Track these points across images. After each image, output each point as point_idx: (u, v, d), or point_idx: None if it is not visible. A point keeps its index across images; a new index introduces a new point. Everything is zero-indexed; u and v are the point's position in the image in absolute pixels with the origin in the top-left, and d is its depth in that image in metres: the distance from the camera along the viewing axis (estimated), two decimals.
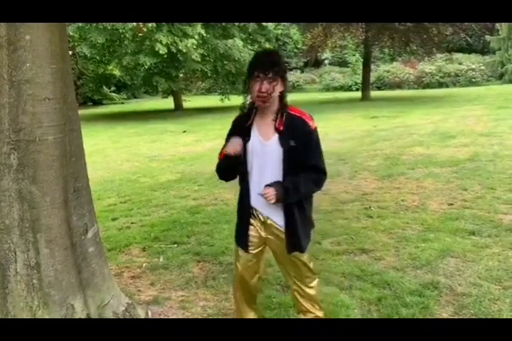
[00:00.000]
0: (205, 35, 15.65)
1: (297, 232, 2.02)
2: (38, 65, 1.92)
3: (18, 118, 1.91)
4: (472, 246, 3.36)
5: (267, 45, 23.96)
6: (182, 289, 2.93)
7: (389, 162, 6.49)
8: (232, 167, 2.03)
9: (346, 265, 3.16)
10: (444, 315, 2.48)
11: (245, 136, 1.97)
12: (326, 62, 32.81)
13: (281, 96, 1.94)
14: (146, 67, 15.96)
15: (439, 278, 2.90)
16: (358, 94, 21.05)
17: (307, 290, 2.14)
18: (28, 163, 1.95)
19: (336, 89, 27.47)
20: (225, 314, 2.56)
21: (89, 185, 2.36)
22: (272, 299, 2.72)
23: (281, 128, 1.93)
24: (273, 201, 1.89)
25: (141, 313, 2.43)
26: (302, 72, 31.49)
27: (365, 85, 20.18)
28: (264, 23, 19.73)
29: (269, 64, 1.88)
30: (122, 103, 27.08)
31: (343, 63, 30.83)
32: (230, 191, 5.41)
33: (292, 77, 29.87)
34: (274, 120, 1.94)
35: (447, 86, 24.48)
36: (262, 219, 2.05)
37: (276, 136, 1.93)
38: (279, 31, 25.05)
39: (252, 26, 18.39)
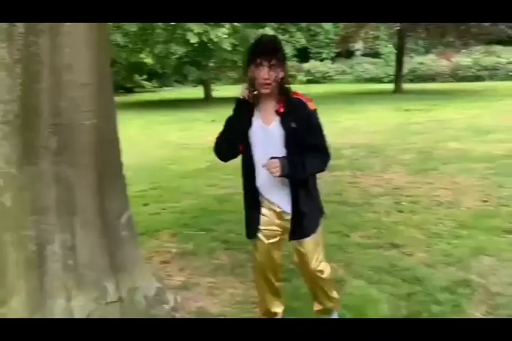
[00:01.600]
0: (236, 24, 15.57)
1: (303, 220, 2.02)
2: (77, 51, 1.94)
3: (57, 103, 1.94)
4: (508, 245, 3.26)
5: (298, 35, 23.74)
6: (210, 276, 2.96)
7: (422, 156, 6.34)
8: (231, 141, 2.02)
9: (376, 259, 3.11)
10: (477, 315, 2.41)
11: (247, 124, 1.98)
12: (358, 53, 32.17)
13: (282, 82, 1.93)
14: (178, 55, 16.04)
15: (472, 276, 2.82)
16: (390, 86, 20.59)
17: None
18: (65, 146, 1.99)
19: (367, 80, 26.95)
20: (253, 302, 2.56)
21: (124, 171, 2.39)
22: (299, 290, 2.71)
23: (282, 110, 1.93)
24: (278, 173, 1.86)
25: (170, 298, 2.47)
26: (333, 62, 30.98)
27: (398, 77, 19.73)
28: None
29: (271, 50, 1.87)
30: (153, 91, 27.37)
31: (375, 54, 30.15)
32: None
33: (323, 67, 29.47)
34: (277, 103, 1.95)
35: (484, 79, 23.63)
36: (272, 207, 2.06)
37: (277, 118, 1.94)
38: None
39: None
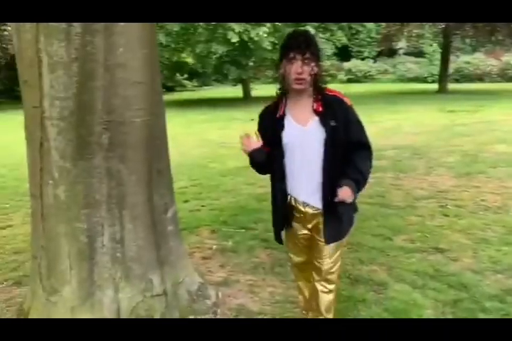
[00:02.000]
0: (276, 23, 15.54)
1: (338, 221, 1.93)
2: (130, 50, 2.00)
3: (110, 101, 2.00)
4: None
5: (339, 34, 23.44)
6: (250, 273, 2.98)
7: (467, 159, 6.11)
8: (261, 163, 1.95)
9: (419, 263, 3.03)
10: None
11: (278, 127, 1.89)
12: (401, 51, 31.42)
13: (316, 78, 1.85)
14: (218, 55, 16.20)
15: None
16: (435, 86, 19.99)
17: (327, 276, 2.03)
18: (117, 142, 2.05)
19: (410, 80, 26.30)
20: (293, 302, 2.56)
21: (170, 167, 2.44)
22: (340, 291, 2.68)
23: (320, 109, 1.85)
24: (351, 199, 1.83)
25: (212, 294, 2.50)
26: (375, 61, 30.42)
27: (443, 77, 19.12)
28: None
29: (305, 44, 1.79)
30: (193, 90, 27.79)
31: (418, 53, 29.36)
32: None
33: (364, 66, 28.98)
34: (313, 101, 1.87)
35: None
36: (305, 209, 1.95)
37: (315, 118, 1.86)
38: None
39: None
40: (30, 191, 2.20)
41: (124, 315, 2.11)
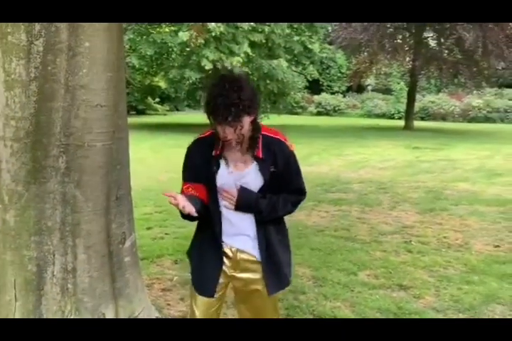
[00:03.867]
0: (251, 54, 15.91)
1: (280, 267, 1.79)
2: (94, 72, 1.94)
3: (69, 123, 1.91)
4: None
5: (311, 68, 24.18)
6: None
7: (431, 195, 6.25)
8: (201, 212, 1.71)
9: (383, 300, 2.99)
10: None
11: (213, 166, 1.71)
12: (369, 88, 32.64)
13: (250, 131, 1.65)
14: (191, 81, 16.32)
15: None
16: (401, 122, 20.71)
17: None
18: (74, 167, 1.95)
19: (377, 116, 27.17)
20: None
21: (131, 194, 2.34)
22: None
23: (261, 155, 1.69)
24: (230, 207, 1.72)
25: None
26: (344, 96, 31.41)
27: (409, 114, 19.86)
28: (310, 46, 19.92)
29: (224, 108, 1.52)
30: (165, 114, 27.72)
31: (386, 90, 30.56)
32: None
33: (334, 100, 29.83)
34: (248, 148, 1.69)
35: (494, 121, 23.74)
36: (230, 254, 1.79)
37: (254, 164, 1.71)
38: (324, 54, 25.23)
39: (298, 48, 18.57)
40: None
41: None
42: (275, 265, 1.79)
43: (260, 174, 1.71)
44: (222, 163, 1.73)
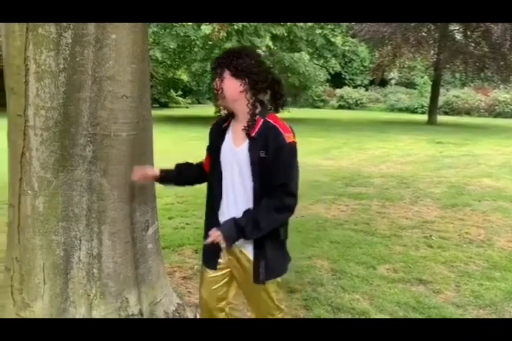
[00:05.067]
0: (272, 47, 15.84)
1: (268, 264, 1.79)
2: (120, 64, 1.97)
3: (96, 113, 1.96)
4: None
5: (333, 61, 23.92)
6: None
7: (453, 191, 6.16)
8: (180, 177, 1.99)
9: (402, 294, 2.99)
10: None
11: (220, 139, 1.84)
12: (393, 81, 32.15)
13: (254, 101, 1.74)
14: None
15: None
16: (424, 117, 20.37)
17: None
18: (101, 156, 2.00)
19: (400, 110, 26.79)
20: None
21: (155, 183, 2.39)
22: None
23: (253, 134, 1.73)
24: (223, 245, 1.72)
25: (189, 315, 2.43)
26: (366, 90, 31.02)
27: (432, 109, 19.51)
28: (332, 39, 19.70)
29: (217, 58, 1.78)
30: (187, 107, 27.92)
31: (410, 84, 30.07)
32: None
33: (356, 94, 29.50)
34: (245, 125, 1.75)
35: None
36: None
37: (246, 142, 1.75)
38: (347, 47, 24.91)
39: (320, 41, 18.39)
40: (9, 201, 2.13)
41: None
42: (263, 260, 1.79)
43: (249, 155, 1.74)
44: (228, 136, 1.83)
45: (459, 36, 19.37)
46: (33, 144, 1.95)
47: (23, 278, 2.05)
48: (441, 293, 3.05)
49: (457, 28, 19.03)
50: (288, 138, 1.73)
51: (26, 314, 2.04)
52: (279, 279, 1.88)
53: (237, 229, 1.72)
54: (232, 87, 1.73)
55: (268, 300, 1.88)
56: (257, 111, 1.76)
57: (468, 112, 24.75)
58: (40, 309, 2.02)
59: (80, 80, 1.91)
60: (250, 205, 1.78)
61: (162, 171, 2.00)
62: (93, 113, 1.95)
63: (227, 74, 1.73)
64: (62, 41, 1.86)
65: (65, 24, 1.85)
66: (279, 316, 1.93)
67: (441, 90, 21.62)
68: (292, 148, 1.74)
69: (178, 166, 2.03)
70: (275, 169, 1.72)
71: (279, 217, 1.77)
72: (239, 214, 1.77)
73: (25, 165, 1.98)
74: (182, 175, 2.01)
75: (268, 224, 1.74)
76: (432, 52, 19.48)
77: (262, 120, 1.75)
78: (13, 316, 2.07)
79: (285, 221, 1.84)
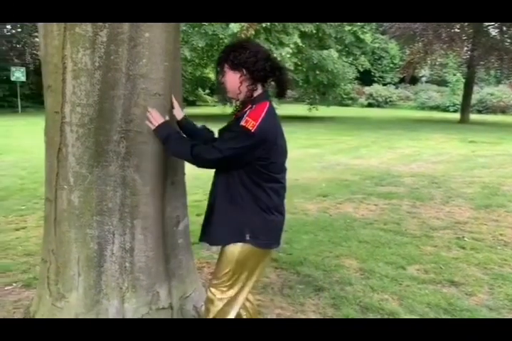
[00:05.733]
0: (300, 44, 15.74)
1: (211, 226, 1.97)
2: (153, 62, 2.00)
3: (130, 110, 1.99)
4: None
5: (362, 58, 23.59)
6: (259, 293, 2.90)
7: (487, 191, 5.98)
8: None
9: (433, 295, 2.92)
10: None
11: None
12: (423, 79, 31.47)
13: (250, 91, 1.89)
14: None
15: None
16: (456, 115, 19.85)
17: (210, 290, 1.98)
18: (134, 152, 2.03)
19: (431, 108, 26.19)
20: None
21: (185, 180, 2.42)
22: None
23: (238, 116, 1.91)
24: (151, 126, 1.97)
25: None
26: (397, 88, 30.46)
27: (465, 107, 18.99)
28: (362, 36, 19.43)
29: (218, 58, 1.92)
30: (214, 105, 28.10)
31: (441, 82, 29.36)
32: (310, 201, 5.33)
33: (385, 92, 29.01)
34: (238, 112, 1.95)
35: None
36: None
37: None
38: (376, 45, 24.51)
39: (349, 38, 18.16)
40: (46, 195, 2.20)
41: None
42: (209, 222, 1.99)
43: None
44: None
45: (494, 32, 18.78)
46: (69, 140, 2.00)
47: (58, 270, 2.12)
48: (474, 295, 2.97)
49: (492, 23, 18.44)
50: (246, 121, 1.79)
51: (62, 304, 2.11)
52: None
53: (165, 129, 1.98)
54: (232, 79, 1.89)
55: (221, 261, 2.00)
56: (253, 96, 1.89)
57: (503, 110, 23.96)
58: (74, 300, 2.08)
59: (115, 78, 1.95)
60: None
61: (185, 118, 2.18)
62: (127, 110, 1.99)
63: (226, 68, 1.89)
64: (97, 40, 1.90)
65: (100, 23, 1.89)
66: (220, 305, 1.95)
67: (475, 88, 21.01)
68: (242, 130, 1.79)
69: (202, 129, 2.22)
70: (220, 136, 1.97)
71: (185, 151, 1.92)
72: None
73: (62, 160, 2.04)
74: (198, 135, 2.15)
75: (174, 147, 1.97)
76: (466, 48, 18.96)
77: (250, 105, 1.88)
78: (49, 306, 2.14)
79: (182, 155, 2.01)
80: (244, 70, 1.85)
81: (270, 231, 1.94)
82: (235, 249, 1.90)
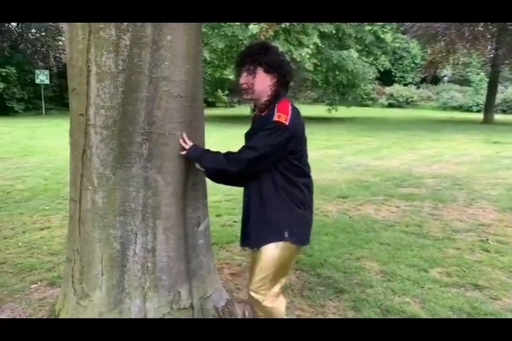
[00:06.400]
0: (320, 44, 15.67)
1: (250, 228, 2.04)
2: (175, 64, 2.02)
3: (152, 112, 2.02)
4: None
5: (383, 58, 23.35)
6: None
7: None
8: None
9: (456, 299, 2.88)
10: None
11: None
12: (446, 79, 30.94)
13: (275, 93, 1.96)
14: None
15: None
16: (479, 115, 19.46)
17: (252, 293, 2.05)
18: (156, 153, 2.06)
19: (453, 108, 25.73)
20: None
21: (206, 181, 2.44)
22: None
23: (262, 115, 1.98)
24: (183, 152, 2.06)
25: (238, 311, 2.46)
26: (418, 88, 30.04)
27: (489, 107, 18.60)
28: (382, 36, 19.22)
29: (245, 54, 1.95)
30: (233, 106, 28.24)
31: (464, 81, 28.82)
32: (330, 202, 5.30)
33: (406, 92, 28.64)
34: (259, 113, 2.02)
35: None
36: None
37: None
38: (397, 44, 24.21)
39: (369, 38, 17.99)
40: (70, 195, 2.25)
41: None
42: (247, 224, 2.09)
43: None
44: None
45: None
46: (94, 142, 2.04)
47: (83, 269, 2.16)
48: (499, 299, 2.91)
49: None
50: (278, 116, 1.88)
51: (86, 303, 2.15)
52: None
53: (194, 151, 2.05)
54: (263, 81, 1.95)
55: (259, 263, 2.06)
56: (277, 100, 1.97)
57: None
58: (98, 299, 2.12)
59: (138, 81, 1.98)
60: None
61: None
62: (149, 112, 2.02)
63: (259, 70, 1.94)
64: (121, 43, 1.94)
65: (124, 27, 1.93)
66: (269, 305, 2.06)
67: (499, 87, 20.55)
68: (276, 125, 1.87)
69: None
70: (252, 136, 1.98)
71: (218, 163, 1.99)
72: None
73: (86, 161, 2.08)
74: None
75: (209, 164, 2.03)
76: (489, 47, 18.58)
77: (273, 104, 1.96)
78: (74, 304, 2.19)
79: (220, 169, 2.00)
80: (276, 74, 1.95)
81: (302, 226, 2.02)
82: (275, 249, 1.98)
